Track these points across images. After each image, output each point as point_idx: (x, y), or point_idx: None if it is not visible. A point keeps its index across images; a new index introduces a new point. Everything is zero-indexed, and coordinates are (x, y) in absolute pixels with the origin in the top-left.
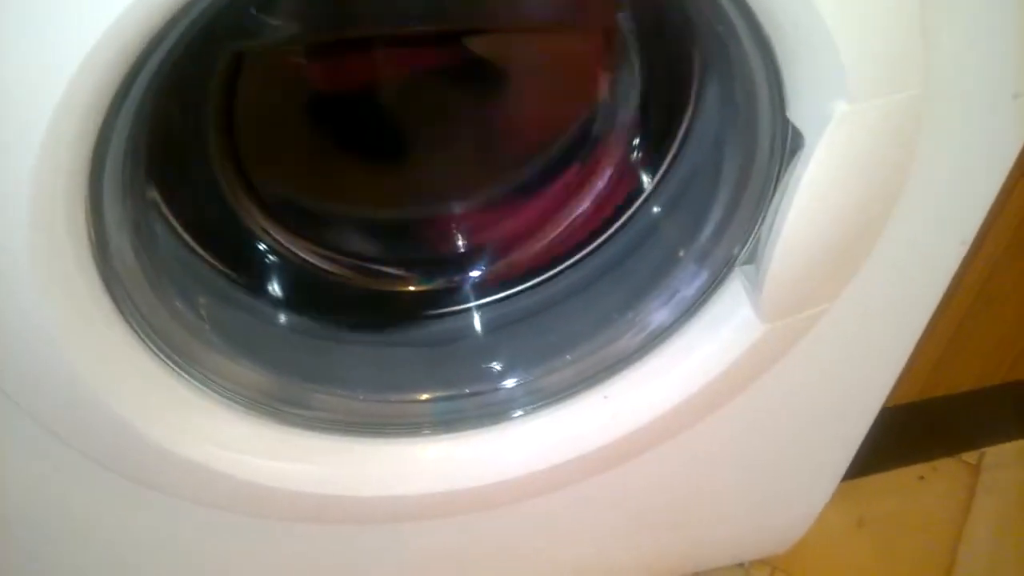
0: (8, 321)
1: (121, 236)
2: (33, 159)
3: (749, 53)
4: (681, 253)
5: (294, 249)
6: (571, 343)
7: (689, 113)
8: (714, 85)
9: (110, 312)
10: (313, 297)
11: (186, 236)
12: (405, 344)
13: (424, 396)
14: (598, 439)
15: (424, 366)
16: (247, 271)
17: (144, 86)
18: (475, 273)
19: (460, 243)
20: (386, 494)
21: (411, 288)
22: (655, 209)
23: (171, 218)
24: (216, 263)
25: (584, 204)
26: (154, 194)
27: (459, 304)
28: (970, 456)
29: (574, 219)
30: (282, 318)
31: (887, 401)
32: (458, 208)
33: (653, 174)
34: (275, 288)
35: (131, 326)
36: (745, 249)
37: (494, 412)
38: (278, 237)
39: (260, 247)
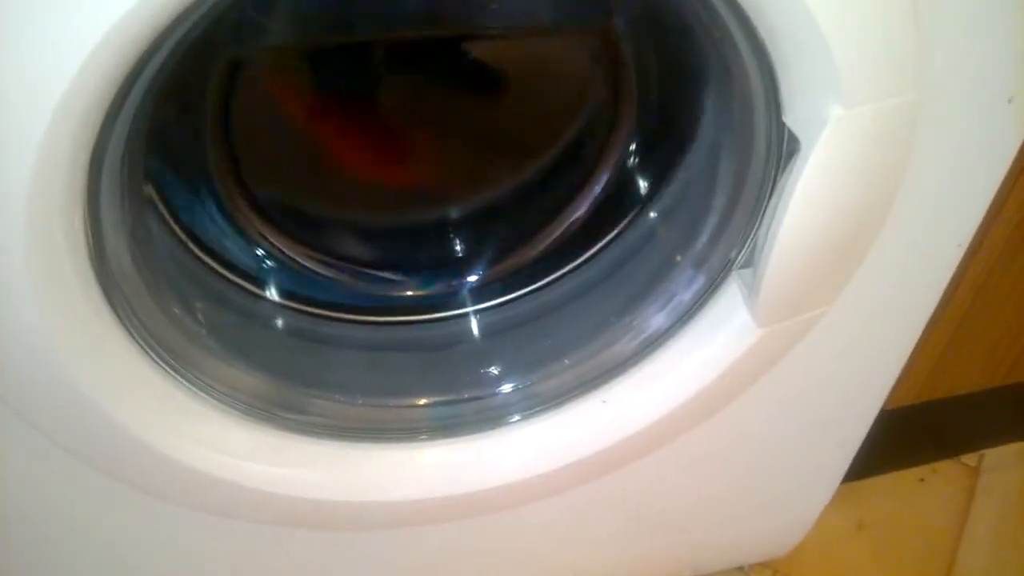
0: (4, 326)
1: (118, 240)
2: (31, 160)
3: (745, 58)
4: (678, 258)
5: (291, 254)
6: (569, 348)
7: (686, 119)
8: (711, 90)
9: (107, 317)
10: (310, 302)
11: (184, 240)
12: (402, 349)
13: (422, 401)
14: (596, 444)
15: (421, 371)
16: (244, 275)
17: (143, 89)
18: (473, 278)
19: (458, 248)
20: (383, 499)
21: (409, 293)
22: (652, 214)
23: (168, 222)
24: (213, 267)
25: (581, 209)
26: (152, 197)
27: (457, 309)
28: (969, 458)
29: (571, 224)
30: (279, 323)
31: (886, 404)
32: (455, 213)
33: (650, 179)
34: (272, 292)
35: (128, 331)
36: (742, 253)
37: (492, 417)
38: (275, 241)
39: (258, 251)
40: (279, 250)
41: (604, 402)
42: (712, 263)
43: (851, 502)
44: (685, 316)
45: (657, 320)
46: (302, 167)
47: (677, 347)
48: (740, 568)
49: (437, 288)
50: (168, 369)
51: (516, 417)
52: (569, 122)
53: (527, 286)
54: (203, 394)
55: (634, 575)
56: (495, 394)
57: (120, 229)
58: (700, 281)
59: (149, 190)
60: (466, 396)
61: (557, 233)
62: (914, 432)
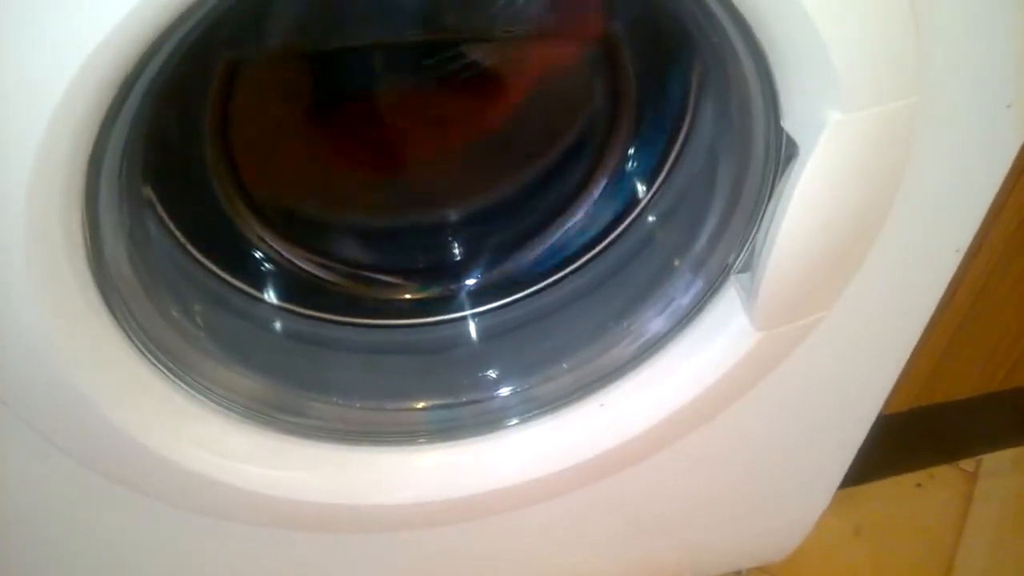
0: (3, 326)
1: (117, 243)
2: (30, 161)
3: (744, 63)
4: (676, 262)
5: (290, 256)
6: (567, 351)
7: (684, 123)
8: (709, 94)
9: (105, 318)
10: (309, 304)
11: (182, 242)
12: (401, 352)
13: (420, 404)
14: (594, 447)
15: (420, 374)
16: (243, 278)
17: (142, 90)
18: (471, 281)
19: (456, 251)
20: (382, 502)
21: (407, 296)
22: (650, 218)
23: (167, 224)
24: (212, 270)
25: (579, 213)
26: (150, 199)
27: (455, 312)
28: (967, 463)
29: (569, 228)
30: (278, 325)
31: (884, 408)
32: (454, 216)
33: (649, 183)
34: (271, 295)
35: (127, 334)
36: (740, 258)
37: (490, 420)
38: (274, 244)
39: (256, 254)
40: (278, 253)
41: (602, 406)
42: (710, 267)
43: (849, 507)
44: (683, 320)
45: (655, 324)
46: (301, 169)
47: (675, 351)
48: (738, 572)
49: (435, 291)
50: (167, 371)
51: (514, 421)
52: (567, 126)
53: (525, 290)
54: (201, 396)
55: None
56: (493, 397)
57: (119, 231)
58: (698, 285)
59: (148, 192)
60: (464, 399)
61: (555, 237)
62: (912, 437)
